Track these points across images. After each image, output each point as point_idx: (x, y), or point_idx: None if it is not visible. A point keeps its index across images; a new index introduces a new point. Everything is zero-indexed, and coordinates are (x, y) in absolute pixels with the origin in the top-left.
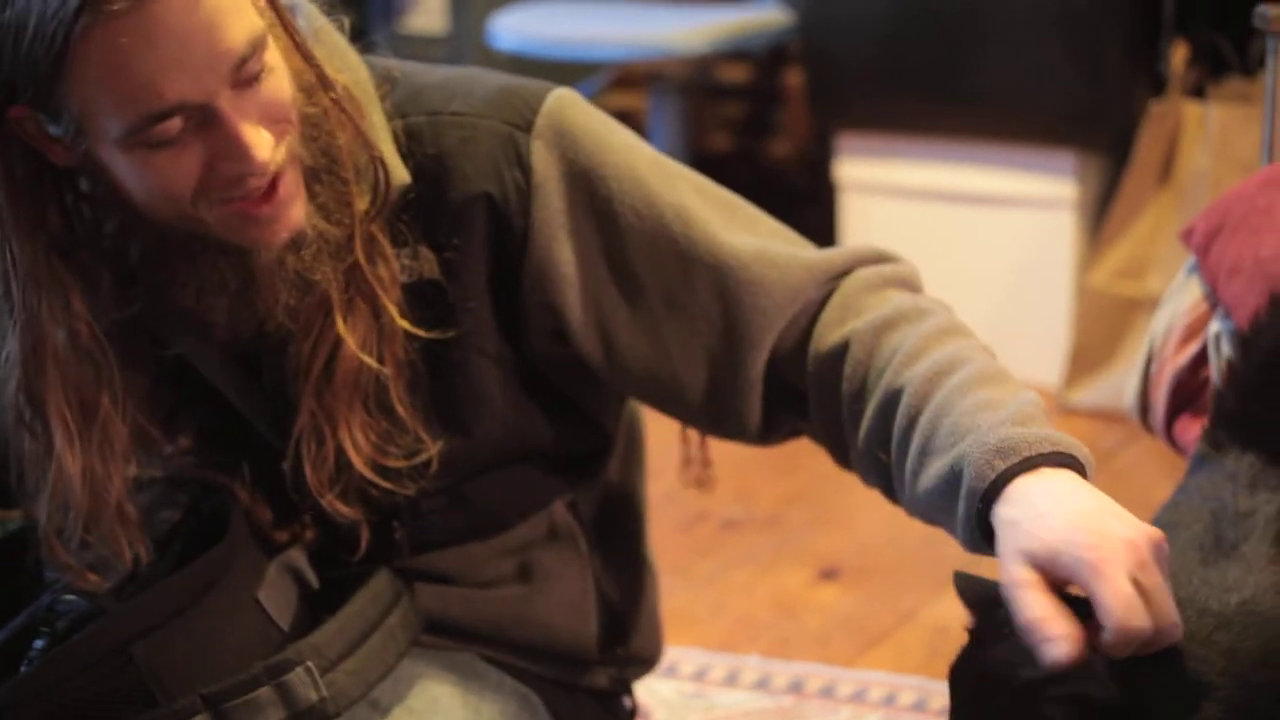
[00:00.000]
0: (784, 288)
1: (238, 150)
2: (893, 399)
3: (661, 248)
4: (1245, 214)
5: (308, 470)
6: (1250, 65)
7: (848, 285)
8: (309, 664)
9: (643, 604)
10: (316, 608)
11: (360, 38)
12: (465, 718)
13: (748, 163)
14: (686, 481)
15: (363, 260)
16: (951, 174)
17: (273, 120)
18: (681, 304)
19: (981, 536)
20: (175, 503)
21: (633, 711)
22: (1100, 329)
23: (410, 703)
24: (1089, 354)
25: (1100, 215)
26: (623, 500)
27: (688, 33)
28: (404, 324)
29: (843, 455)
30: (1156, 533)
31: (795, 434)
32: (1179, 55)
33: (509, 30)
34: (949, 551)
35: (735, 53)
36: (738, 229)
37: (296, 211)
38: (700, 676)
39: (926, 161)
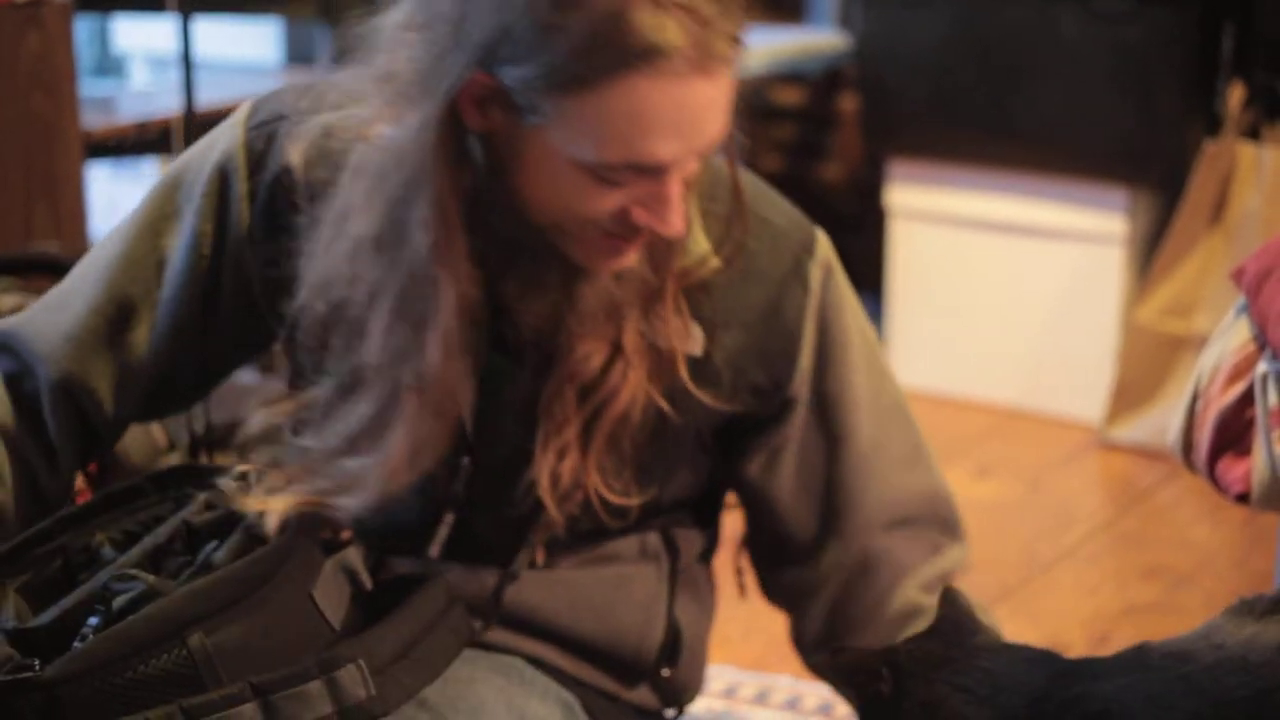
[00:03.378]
0: (880, 502)
1: (666, 212)
2: None
3: (858, 406)
4: None
5: (543, 478)
6: None
7: (909, 580)
8: (360, 662)
9: (701, 633)
10: (369, 609)
11: None
12: None
13: (798, 186)
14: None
15: (668, 309)
16: (1003, 205)
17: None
18: (827, 454)
19: None
20: None
21: None
22: (1145, 365)
23: (457, 704)
24: (1133, 390)
25: (1150, 252)
26: (710, 538)
27: (743, 53)
28: (684, 372)
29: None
30: None
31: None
32: (1235, 96)
33: None
34: (975, 580)
35: (790, 75)
36: (896, 432)
37: (634, 254)
38: (731, 694)
39: (978, 191)
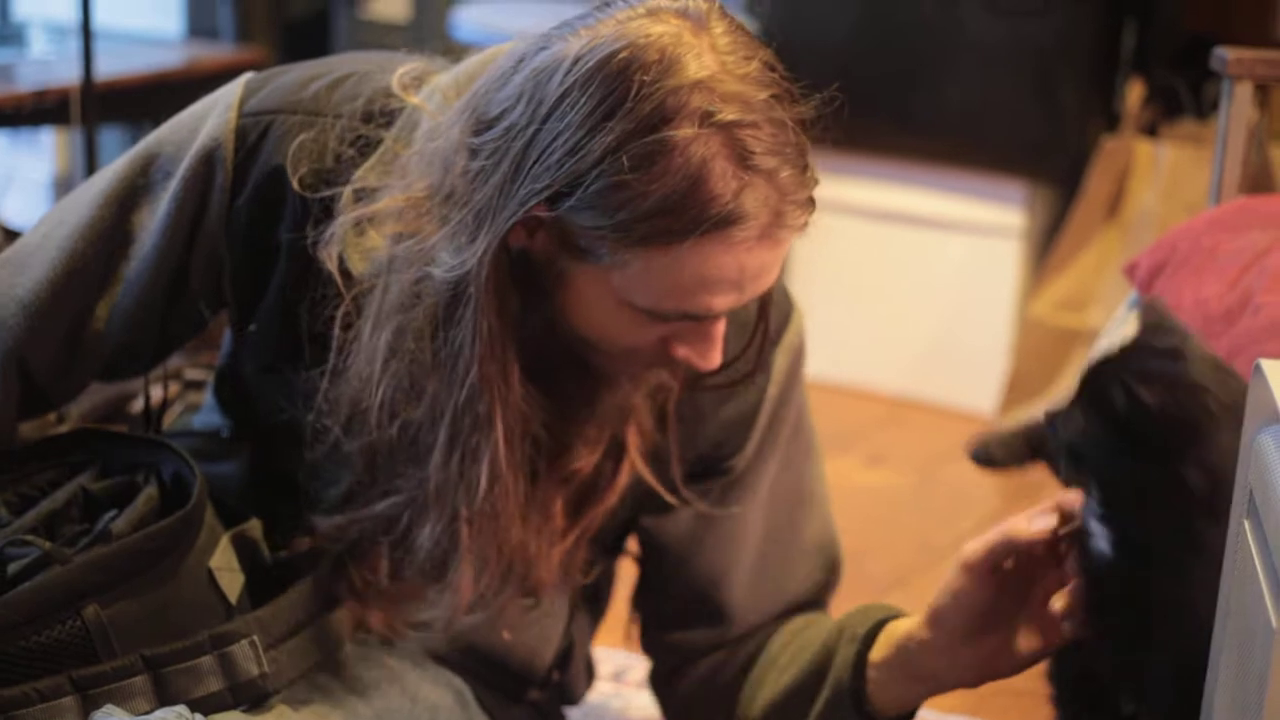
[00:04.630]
0: (771, 592)
1: (708, 350)
2: None
3: (759, 496)
4: (1190, 253)
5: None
6: (1204, 108)
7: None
8: (254, 638)
9: (589, 639)
10: (267, 584)
11: (322, 23)
12: (402, 704)
13: None
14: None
15: (670, 403)
16: (901, 195)
17: None
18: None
19: None
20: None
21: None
22: (1039, 358)
23: (349, 685)
24: (1026, 382)
25: (1046, 246)
26: (613, 569)
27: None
28: (676, 462)
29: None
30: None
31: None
32: (1135, 93)
33: (471, 21)
34: (870, 567)
35: None
36: (807, 525)
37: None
38: (619, 677)
39: (877, 181)
